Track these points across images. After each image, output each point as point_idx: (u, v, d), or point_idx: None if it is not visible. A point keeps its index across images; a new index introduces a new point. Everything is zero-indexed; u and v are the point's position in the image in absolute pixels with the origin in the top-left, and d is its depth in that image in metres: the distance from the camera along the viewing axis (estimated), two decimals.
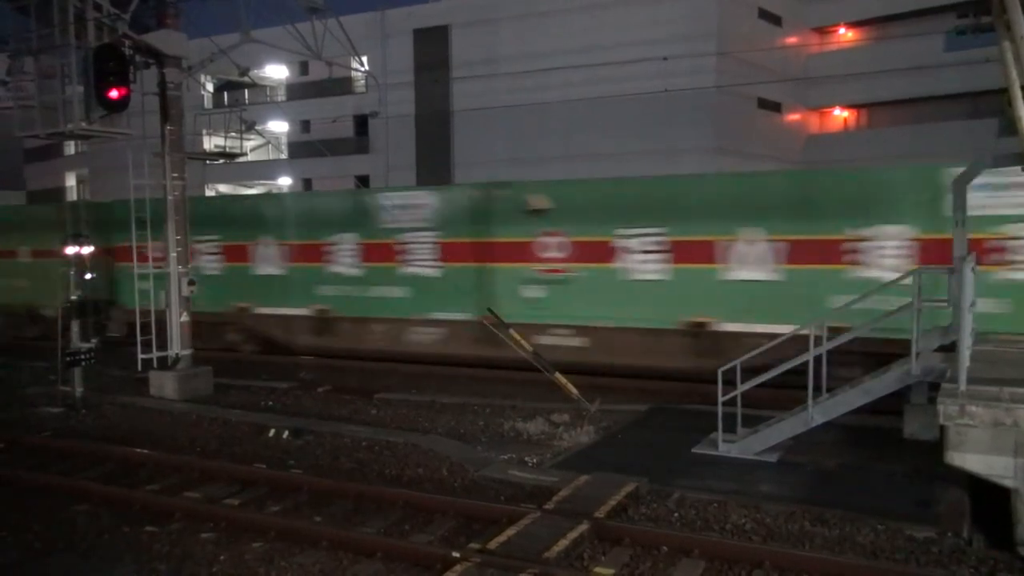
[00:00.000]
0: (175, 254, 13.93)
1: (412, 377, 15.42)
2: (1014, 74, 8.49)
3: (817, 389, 9.53)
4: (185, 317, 14.10)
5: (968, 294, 8.41)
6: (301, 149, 45.90)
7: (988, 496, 7.64)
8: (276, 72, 47.42)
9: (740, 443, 9.87)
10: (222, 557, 7.44)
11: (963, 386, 7.63)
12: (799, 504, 8.20)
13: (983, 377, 8.05)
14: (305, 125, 46.51)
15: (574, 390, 12.07)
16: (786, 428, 9.72)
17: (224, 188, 45.85)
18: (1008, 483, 7.29)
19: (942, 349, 9.66)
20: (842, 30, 41.21)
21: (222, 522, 8.16)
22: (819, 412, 9.47)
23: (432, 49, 39.99)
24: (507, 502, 8.49)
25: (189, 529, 8.10)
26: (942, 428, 7.58)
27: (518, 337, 12.52)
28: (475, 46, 38.09)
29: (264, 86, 48.34)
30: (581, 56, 33.45)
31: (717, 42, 33.25)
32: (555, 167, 31.15)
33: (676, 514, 8.16)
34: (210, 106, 39.82)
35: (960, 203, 10.06)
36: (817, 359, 9.44)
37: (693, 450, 10.13)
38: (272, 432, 11.56)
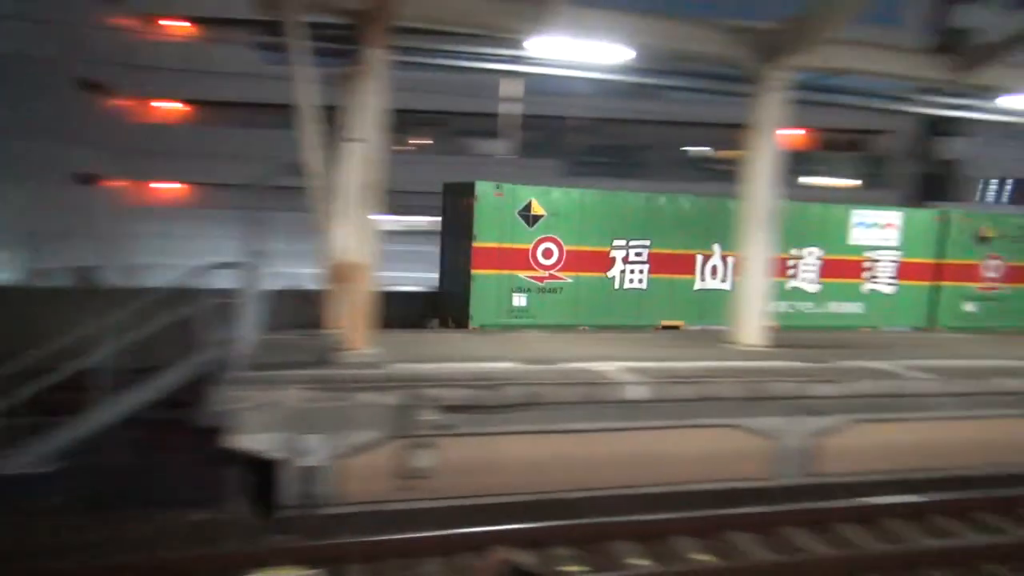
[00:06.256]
0: None
1: None
2: (302, 95, 9.26)
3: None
4: None
5: (254, 288, 9.11)
6: None
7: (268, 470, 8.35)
8: None
9: (11, 459, 8.81)
10: None
11: (238, 372, 8.22)
12: (77, 511, 7.75)
13: (258, 363, 8.83)
14: None
15: None
16: (71, 432, 9.06)
17: None
18: (278, 456, 8.10)
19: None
20: (178, 23, 40.75)
21: None
22: (106, 411, 9.08)
23: None
24: None
25: None
26: (222, 413, 8.02)
27: None
28: None
29: None
30: None
31: None
32: None
33: None
34: None
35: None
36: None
37: None
38: None
